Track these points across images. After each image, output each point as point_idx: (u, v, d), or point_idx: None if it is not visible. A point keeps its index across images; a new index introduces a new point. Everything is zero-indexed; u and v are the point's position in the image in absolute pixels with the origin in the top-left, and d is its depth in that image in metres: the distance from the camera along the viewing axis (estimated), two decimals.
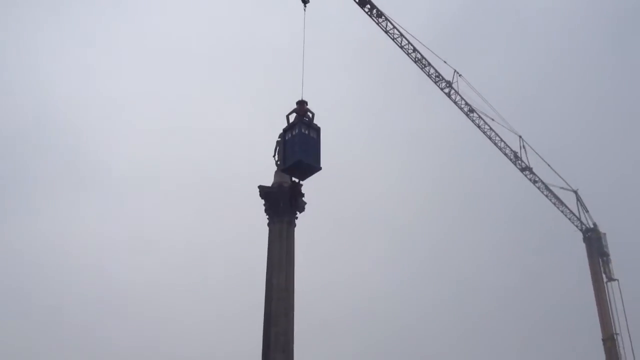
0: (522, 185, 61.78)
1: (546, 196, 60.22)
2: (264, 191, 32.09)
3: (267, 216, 32.06)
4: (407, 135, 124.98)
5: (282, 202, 31.32)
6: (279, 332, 31.41)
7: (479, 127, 55.08)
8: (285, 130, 25.17)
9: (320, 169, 23.73)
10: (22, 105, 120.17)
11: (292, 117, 25.93)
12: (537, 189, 59.68)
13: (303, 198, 31.74)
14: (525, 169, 58.60)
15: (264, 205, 31.86)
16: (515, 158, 57.97)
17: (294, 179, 25.43)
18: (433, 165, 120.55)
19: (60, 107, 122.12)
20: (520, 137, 57.66)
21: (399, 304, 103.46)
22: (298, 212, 31.99)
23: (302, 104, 24.47)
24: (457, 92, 52.55)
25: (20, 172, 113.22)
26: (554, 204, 60.96)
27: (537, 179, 59.11)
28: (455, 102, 53.01)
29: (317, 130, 23.71)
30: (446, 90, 52.40)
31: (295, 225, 32.07)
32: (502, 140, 56.57)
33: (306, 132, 23.48)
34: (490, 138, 55.89)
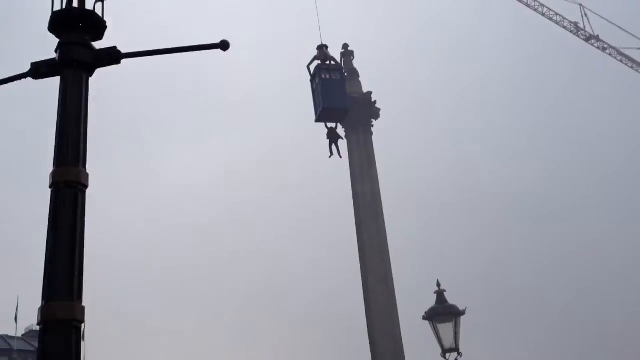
0: (589, 55, 60.16)
1: (620, 61, 58.19)
2: None
3: (343, 128, 32.92)
4: (458, 32, 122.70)
5: (355, 113, 32.04)
6: (371, 235, 32.78)
7: (527, 5, 53.24)
8: (311, 82, 25.22)
9: (348, 108, 23.67)
10: None
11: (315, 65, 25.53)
12: (608, 56, 57.79)
13: (376, 105, 32.44)
14: (591, 38, 56.64)
15: None
16: (577, 29, 56.01)
17: (329, 125, 25.40)
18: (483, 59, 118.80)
19: None
20: (580, 5, 55.49)
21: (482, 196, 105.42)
22: (373, 120, 32.72)
23: (320, 49, 24.17)
24: None
25: None
26: (632, 67, 58.74)
27: (606, 46, 57.18)
28: None
29: (339, 69, 23.55)
30: None
31: (372, 133, 32.89)
32: (557, 14, 54.57)
33: (326, 76, 23.37)
34: (543, 14, 54.04)
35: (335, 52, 33.66)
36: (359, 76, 33.19)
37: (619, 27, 57.33)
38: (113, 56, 5.25)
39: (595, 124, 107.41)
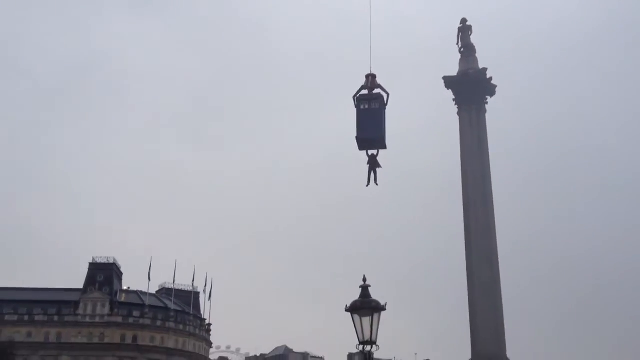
0: None
1: None
2: (449, 81, 32.30)
3: (456, 105, 32.33)
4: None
5: (468, 90, 31.41)
6: (478, 217, 32.10)
7: None
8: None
9: (379, 136, 23.61)
10: None
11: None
12: None
13: (492, 81, 31.60)
14: None
15: (453, 95, 32.22)
16: None
17: (370, 152, 25.31)
18: None
19: None
20: None
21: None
22: (488, 97, 31.90)
23: (367, 77, 23.91)
24: None
25: None
26: None
27: None
28: None
29: (379, 98, 23.41)
30: None
31: (485, 111, 32.05)
32: None
33: (365, 106, 23.36)
34: None
35: (453, 28, 33.09)
36: (475, 52, 32.33)
37: None
38: None
39: None
